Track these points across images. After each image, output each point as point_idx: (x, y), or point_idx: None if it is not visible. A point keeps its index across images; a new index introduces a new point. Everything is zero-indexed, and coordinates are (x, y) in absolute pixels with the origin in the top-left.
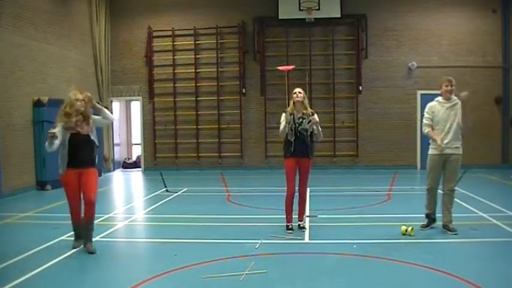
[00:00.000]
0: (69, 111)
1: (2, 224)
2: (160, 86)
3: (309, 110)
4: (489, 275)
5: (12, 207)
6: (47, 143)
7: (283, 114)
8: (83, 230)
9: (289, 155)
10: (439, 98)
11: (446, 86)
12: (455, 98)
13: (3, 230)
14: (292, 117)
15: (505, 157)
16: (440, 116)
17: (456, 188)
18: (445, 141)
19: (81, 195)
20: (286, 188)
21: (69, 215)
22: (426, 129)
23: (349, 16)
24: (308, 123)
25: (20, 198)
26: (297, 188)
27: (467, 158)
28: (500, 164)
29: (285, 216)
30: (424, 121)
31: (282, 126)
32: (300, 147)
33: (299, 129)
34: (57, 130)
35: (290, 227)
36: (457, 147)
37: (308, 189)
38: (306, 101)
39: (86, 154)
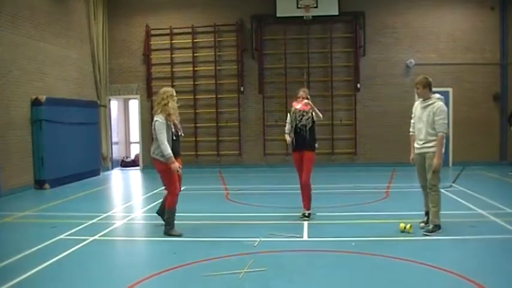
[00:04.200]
0: (172, 112)
1: (0, 223)
2: (158, 84)
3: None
4: (488, 272)
5: (11, 206)
6: (168, 150)
7: (288, 114)
8: (172, 213)
9: (293, 150)
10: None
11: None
12: (435, 98)
13: (2, 229)
14: (294, 115)
15: (503, 154)
16: (417, 115)
17: (454, 184)
18: (420, 142)
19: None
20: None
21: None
22: (410, 133)
23: (347, 13)
24: (307, 119)
25: (19, 197)
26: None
27: (465, 155)
28: (498, 161)
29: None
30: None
31: (286, 128)
32: (300, 142)
33: (299, 125)
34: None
35: (306, 214)
36: (432, 146)
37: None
38: (309, 100)
39: (178, 146)
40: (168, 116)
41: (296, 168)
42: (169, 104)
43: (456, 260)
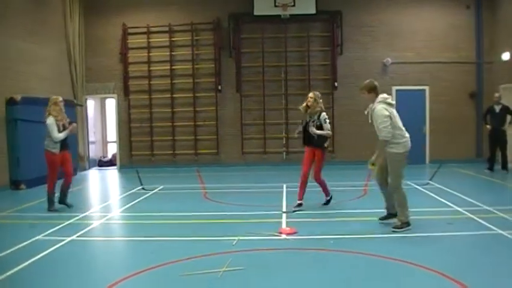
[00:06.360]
0: (56, 114)
1: None
2: (135, 83)
3: (317, 109)
4: (466, 267)
5: None
6: (65, 133)
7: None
8: (53, 196)
9: (305, 145)
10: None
11: None
12: (377, 101)
13: None
14: (303, 121)
15: (479, 151)
16: None
17: (431, 182)
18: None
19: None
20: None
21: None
22: None
23: (324, 12)
24: (314, 126)
25: None
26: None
27: (442, 152)
28: (474, 158)
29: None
30: None
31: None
32: (310, 140)
33: (308, 129)
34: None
35: (299, 203)
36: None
37: (284, 185)
38: (315, 104)
39: (66, 141)
40: (55, 117)
41: (304, 161)
42: (53, 109)
43: (434, 256)
